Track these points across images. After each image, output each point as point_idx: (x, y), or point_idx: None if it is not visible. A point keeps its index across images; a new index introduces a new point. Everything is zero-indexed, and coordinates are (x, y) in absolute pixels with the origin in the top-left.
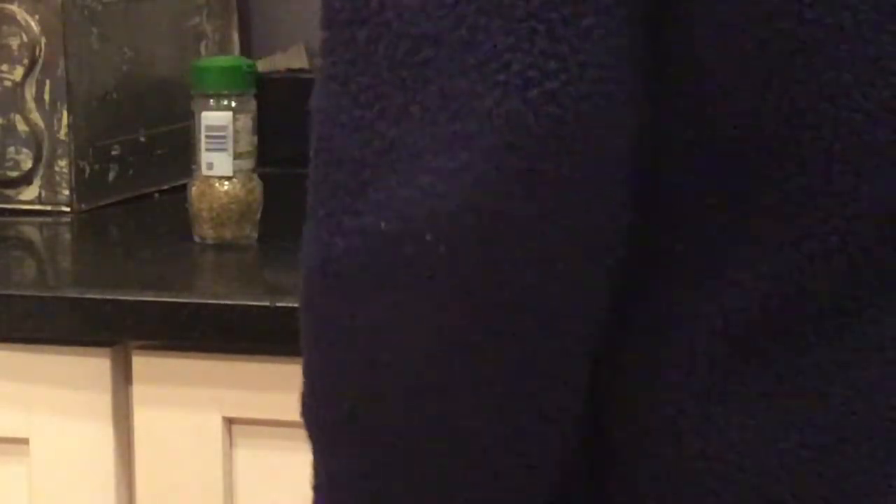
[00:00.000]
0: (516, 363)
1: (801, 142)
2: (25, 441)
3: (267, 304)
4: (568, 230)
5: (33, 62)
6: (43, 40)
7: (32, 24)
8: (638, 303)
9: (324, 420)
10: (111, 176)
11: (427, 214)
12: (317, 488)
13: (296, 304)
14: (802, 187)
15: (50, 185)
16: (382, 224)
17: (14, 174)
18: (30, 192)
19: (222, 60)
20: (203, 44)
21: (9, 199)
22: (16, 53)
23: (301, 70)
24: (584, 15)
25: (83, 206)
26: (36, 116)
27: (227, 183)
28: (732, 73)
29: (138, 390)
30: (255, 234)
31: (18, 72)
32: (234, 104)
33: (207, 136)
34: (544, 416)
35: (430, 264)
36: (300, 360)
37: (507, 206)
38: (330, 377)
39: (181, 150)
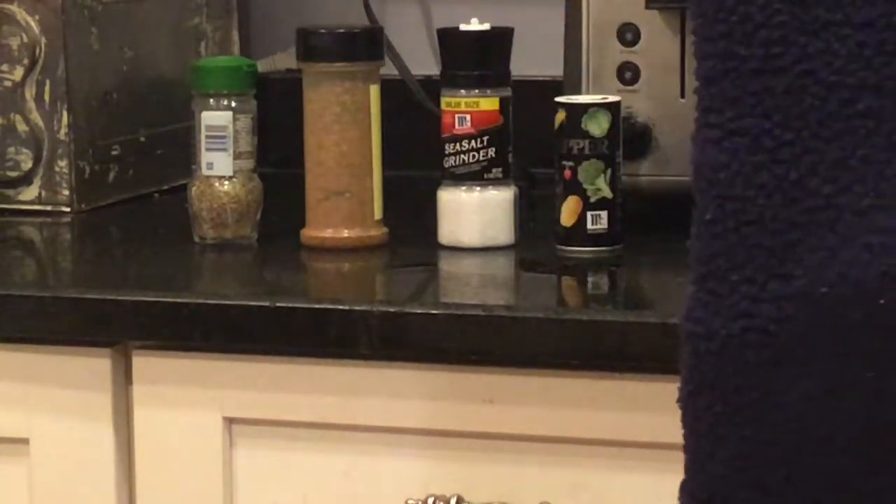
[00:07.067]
0: None
1: None
2: (25, 441)
3: (267, 304)
4: None
5: (33, 62)
6: (43, 40)
7: (32, 24)
8: None
9: None
10: (111, 176)
11: (880, 276)
12: None
13: (295, 304)
14: None
15: (50, 185)
16: (824, 288)
17: (14, 174)
18: (30, 192)
19: (222, 60)
20: (203, 44)
21: (9, 199)
22: (16, 53)
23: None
24: None
25: (83, 206)
26: (36, 116)
27: (227, 183)
28: None
29: (138, 390)
30: (255, 234)
31: (18, 72)
32: (234, 104)
33: (207, 136)
34: None
35: (881, 328)
36: (300, 360)
37: None
38: (747, 459)
39: (181, 150)
